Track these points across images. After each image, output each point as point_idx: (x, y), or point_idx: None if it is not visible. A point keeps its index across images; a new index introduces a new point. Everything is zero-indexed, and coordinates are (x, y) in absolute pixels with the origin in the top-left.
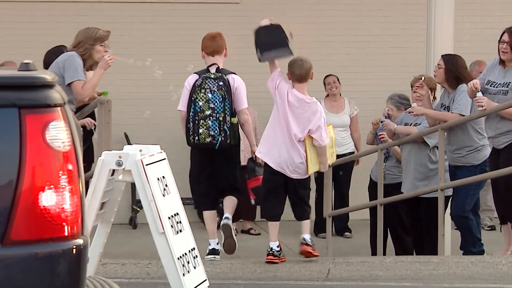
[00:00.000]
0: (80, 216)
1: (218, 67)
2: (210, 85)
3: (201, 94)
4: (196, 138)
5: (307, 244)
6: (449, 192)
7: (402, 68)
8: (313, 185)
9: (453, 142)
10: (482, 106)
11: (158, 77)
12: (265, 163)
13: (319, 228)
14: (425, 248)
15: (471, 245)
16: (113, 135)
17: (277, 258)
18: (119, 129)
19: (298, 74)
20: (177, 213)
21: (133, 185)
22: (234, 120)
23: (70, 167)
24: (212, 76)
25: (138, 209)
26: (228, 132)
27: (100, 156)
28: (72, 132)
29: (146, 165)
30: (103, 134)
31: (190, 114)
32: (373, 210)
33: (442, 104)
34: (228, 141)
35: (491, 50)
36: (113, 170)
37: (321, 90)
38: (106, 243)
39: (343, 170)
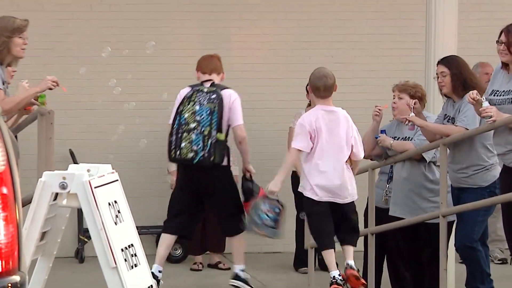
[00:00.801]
0: (17, 249)
1: (214, 82)
2: (200, 98)
3: (189, 106)
4: (178, 152)
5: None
6: (452, 217)
7: (397, 73)
8: (294, 212)
9: (458, 160)
10: (490, 117)
11: (116, 92)
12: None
13: (299, 262)
14: (425, 284)
15: (479, 281)
16: (56, 153)
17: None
18: (63, 145)
19: (323, 89)
20: (132, 245)
21: (79, 212)
22: (221, 136)
23: (4, 190)
24: (205, 90)
25: (85, 239)
26: (212, 148)
27: (41, 177)
28: (7, 149)
29: (95, 187)
30: (44, 151)
31: (175, 126)
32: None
33: (446, 115)
34: (211, 159)
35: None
36: (56, 194)
37: (302, 99)
38: (48, 280)
39: None
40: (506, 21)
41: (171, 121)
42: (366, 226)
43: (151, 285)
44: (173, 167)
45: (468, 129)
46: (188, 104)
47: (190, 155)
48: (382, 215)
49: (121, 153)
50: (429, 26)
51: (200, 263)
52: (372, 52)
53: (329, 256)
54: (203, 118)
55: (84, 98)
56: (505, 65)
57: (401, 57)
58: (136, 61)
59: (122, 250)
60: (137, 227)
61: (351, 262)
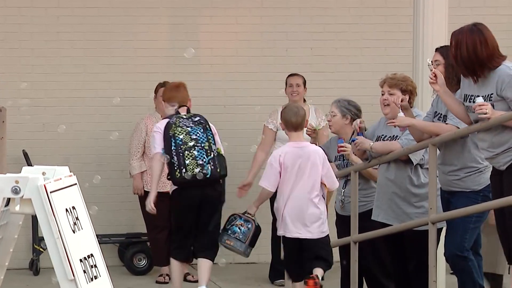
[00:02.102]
0: None
1: (188, 109)
2: (185, 122)
3: (179, 129)
4: (184, 170)
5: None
6: (441, 224)
7: (382, 66)
8: (269, 219)
9: (449, 161)
10: (485, 114)
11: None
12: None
13: (275, 273)
14: None
15: None
16: (8, 154)
17: None
18: (16, 145)
19: (295, 121)
20: (92, 255)
21: (34, 219)
22: (220, 150)
23: None
24: (184, 116)
25: (41, 249)
26: (216, 160)
27: None
28: None
29: (51, 192)
30: None
31: (172, 149)
32: (344, 250)
33: (436, 112)
34: (218, 170)
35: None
36: (8, 199)
37: (278, 95)
38: None
39: None
40: (500, 9)
41: (157, 150)
42: (339, 237)
43: None
44: (136, 170)
45: (459, 128)
46: (176, 128)
47: (197, 170)
48: (342, 222)
49: (80, 154)
50: (417, 14)
51: (167, 274)
52: (355, 44)
53: None
54: (199, 136)
55: (39, 94)
56: None
57: (387, 49)
58: (96, 54)
59: (81, 260)
60: (97, 236)
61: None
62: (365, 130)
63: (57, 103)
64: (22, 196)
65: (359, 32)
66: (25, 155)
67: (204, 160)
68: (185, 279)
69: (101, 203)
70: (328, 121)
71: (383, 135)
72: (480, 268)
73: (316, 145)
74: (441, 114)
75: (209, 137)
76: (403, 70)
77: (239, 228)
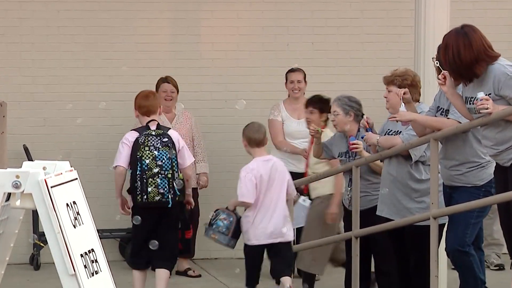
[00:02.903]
0: None
1: (158, 123)
2: (153, 142)
3: (147, 151)
4: (145, 197)
5: None
6: (443, 219)
7: (384, 61)
8: None
9: (450, 156)
10: (486, 109)
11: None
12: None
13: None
14: None
15: None
16: (8, 149)
17: None
18: (17, 140)
19: (258, 137)
20: (92, 250)
21: (35, 214)
22: (181, 176)
23: None
24: (154, 133)
25: (41, 244)
26: (176, 189)
27: None
28: None
29: (52, 187)
30: None
31: (137, 172)
32: (350, 245)
33: (439, 107)
34: (177, 199)
35: (499, 38)
36: (9, 194)
37: (280, 89)
38: None
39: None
40: (501, 3)
41: (120, 163)
42: (346, 231)
43: None
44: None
45: (461, 122)
46: (144, 149)
47: (157, 198)
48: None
49: (81, 149)
50: (418, 9)
51: None
52: (356, 38)
53: None
54: (164, 162)
55: (40, 88)
56: None
57: (388, 44)
58: (97, 48)
59: (81, 255)
60: (98, 230)
61: None
62: (373, 125)
63: (58, 97)
64: (23, 191)
65: (360, 27)
66: (26, 149)
67: (166, 189)
68: (186, 274)
69: (102, 197)
70: (332, 121)
71: (389, 129)
72: (482, 263)
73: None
74: (444, 108)
75: (174, 163)
76: (405, 64)
77: (222, 222)
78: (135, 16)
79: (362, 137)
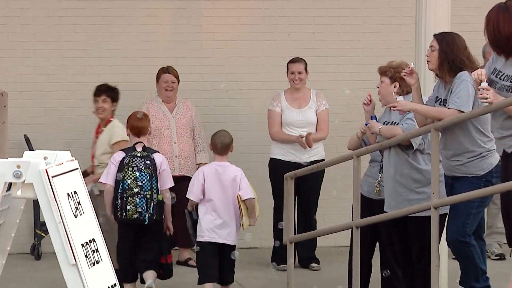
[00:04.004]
0: None
1: (144, 145)
2: (137, 163)
3: (129, 172)
4: (124, 214)
5: None
6: (445, 209)
7: (385, 51)
8: (271, 203)
9: (450, 146)
10: (486, 99)
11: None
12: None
13: (278, 258)
14: (415, 282)
15: (473, 278)
16: (9, 138)
17: None
18: (18, 130)
19: (220, 146)
20: (93, 239)
21: (36, 203)
22: (160, 197)
23: None
24: (139, 154)
25: (42, 234)
26: (154, 209)
27: None
28: None
29: (53, 177)
30: None
31: (119, 191)
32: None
33: (438, 97)
34: (154, 218)
35: None
36: (10, 184)
37: (281, 79)
38: (1, 279)
39: (309, 183)
40: None
41: (107, 181)
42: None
43: (115, 284)
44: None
45: (462, 112)
46: (128, 170)
47: (135, 216)
48: (375, 207)
49: (81, 139)
50: None
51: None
52: (357, 28)
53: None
54: (144, 183)
55: (41, 78)
56: None
57: (389, 33)
58: (98, 38)
59: (82, 245)
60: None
61: None
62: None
63: (59, 87)
64: (24, 181)
65: (361, 17)
66: (27, 139)
67: (143, 208)
68: (187, 264)
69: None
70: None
71: (386, 121)
72: (483, 253)
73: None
74: (442, 98)
75: (153, 185)
76: (406, 54)
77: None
78: (136, 6)
79: (366, 124)
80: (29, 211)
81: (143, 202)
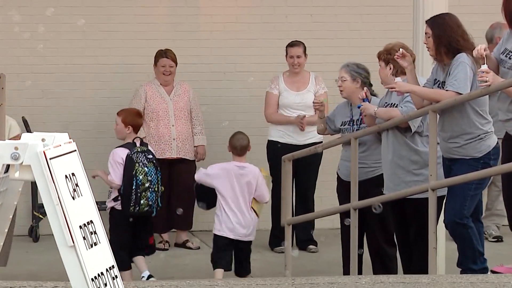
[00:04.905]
0: None
1: (141, 140)
2: (141, 158)
3: (139, 168)
4: (137, 208)
5: None
6: (442, 191)
7: (383, 33)
8: (269, 186)
9: (448, 128)
10: (485, 82)
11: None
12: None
13: (275, 240)
14: (413, 264)
15: (471, 261)
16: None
17: None
18: (16, 112)
19: (240, 148)
20: (91, 221)
21: (33, 185)
22: (162, 188)
23: None
24: (139, 149)
25: (40, 216)
26: (160, 199)
27: None
28: None
29: (51, 158)
30: None
31: (133, 188)
32: (346, 217)
33: (436, 79)
34: (157, 208)
35: (500, 10)
36: (8, 166)
37: (279, 61)
38: None
39: (307, 165)
40: None
41: (119, 181)
42: (340, 203)
43: (113, 265)
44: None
45: (460, 93)
46: (136, 165)
47: (146, 208)
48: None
49: (80, 121)
50: None
51: (167, 241)
52: (355, 10)
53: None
54: (152, 177)
55: (39, 60)
56: None
57: (387, 16)
58: (96, 20)
59: (80, 227)
60: (97, 202)
61: None
62: (371, 99)
63: (57, 69)
64: (22, 163)
65: None
66: (25, 121)
67: (153, 201)
68: (185, 246)
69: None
70: (339, 86)
71: (386, 102)
72: (480, 235)
73: (323, 117)
74: (440, 81)
75: (159, 177)
76: (403, 37)
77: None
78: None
79: (359, 107)
80: (27, 193)
81: (153, 196)
